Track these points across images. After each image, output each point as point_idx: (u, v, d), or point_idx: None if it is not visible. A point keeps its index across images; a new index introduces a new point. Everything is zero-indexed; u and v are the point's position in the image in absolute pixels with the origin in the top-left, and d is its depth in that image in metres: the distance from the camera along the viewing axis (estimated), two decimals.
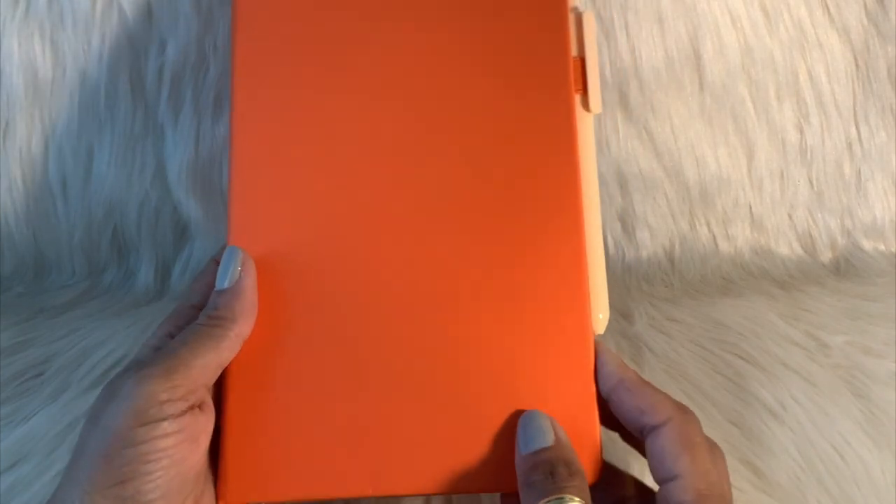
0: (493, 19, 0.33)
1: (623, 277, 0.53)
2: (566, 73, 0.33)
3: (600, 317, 0.32)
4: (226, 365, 0.30)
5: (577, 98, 0.33)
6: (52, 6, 0.47)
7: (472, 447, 0.30)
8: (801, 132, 0.54)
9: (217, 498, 0.30)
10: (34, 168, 0.50)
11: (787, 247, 0.56)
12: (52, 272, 0.53)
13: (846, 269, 0.56)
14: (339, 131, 0.32)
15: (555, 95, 0.32)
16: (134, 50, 0.48)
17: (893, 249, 0.57)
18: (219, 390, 0.31)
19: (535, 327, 0.31)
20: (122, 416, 0.25)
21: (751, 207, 0.55)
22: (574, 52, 0.33)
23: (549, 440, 0.29)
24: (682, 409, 0.29)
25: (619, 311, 0.50)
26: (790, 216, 0.56)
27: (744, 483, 0.39)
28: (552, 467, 0.28)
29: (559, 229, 0.31)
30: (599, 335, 0.32)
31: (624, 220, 0.54)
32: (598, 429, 0.30)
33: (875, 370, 0.44)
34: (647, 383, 0.30)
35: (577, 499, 0.26)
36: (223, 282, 0.30)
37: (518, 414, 0.30)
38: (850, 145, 0.55)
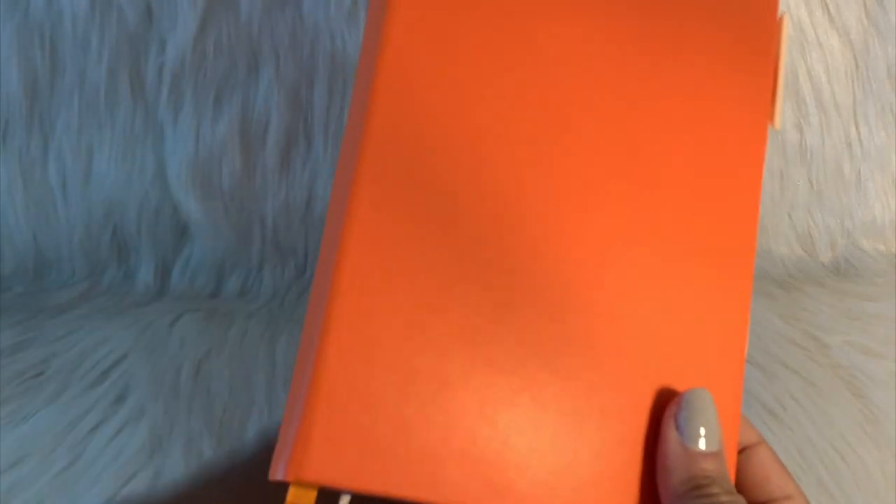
0: (689, 16, 0.30)
1: None
2: (767, 81, 0.30)
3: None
4: None
5: None
6: (51, 6, 0.47)
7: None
8: (801, 132, 0.54)
9: (283, 469, 0.23)
10: (34, 168, 0.50)
11: (786, 247, 0.56)
12: (52, 272, 0.53)
13: (846, 269, 0.56)
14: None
15: (750, 105, 0.30)
16: (134, 50, 0.48)
17: (893, 249, 0.57)
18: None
19: (692, 327, 0.27)
20: None
21: None
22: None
23: (715, 444, 0.24)
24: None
25: None
26: (790, 216, 0.56)
27: None
28: (712, 483, 0.23)
29: (730, 247, 0.28)
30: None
31: None
32: (737, 437, 0.26)
33: (874, 370, 0.44)
34: None
35: None
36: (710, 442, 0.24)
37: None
38: (849, 145, 0.55)
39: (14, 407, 0.41)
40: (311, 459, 0.23)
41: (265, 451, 0.40)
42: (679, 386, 0.26)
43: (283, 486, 0.23)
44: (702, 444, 0.23)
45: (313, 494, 0.23)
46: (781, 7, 0.44)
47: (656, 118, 0.28)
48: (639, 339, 0.26)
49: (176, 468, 0.38)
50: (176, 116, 0.49)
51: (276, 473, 0.24)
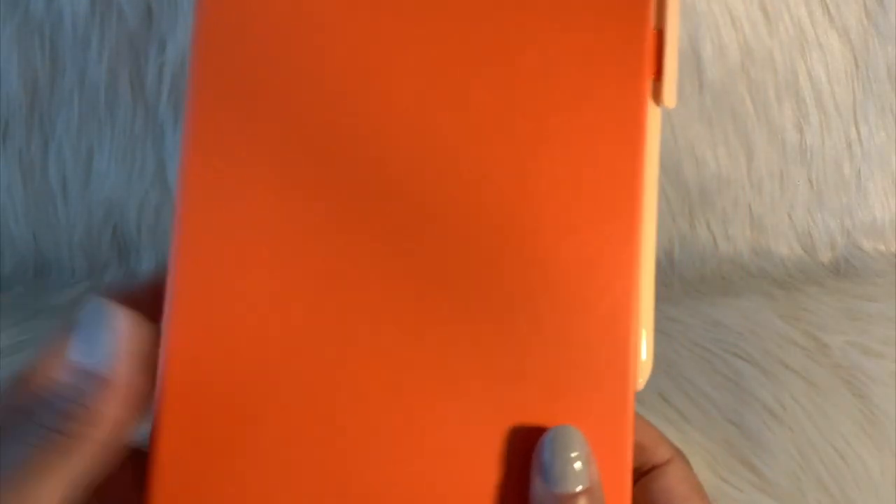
0: None
1: None
2: (640, 48, 0.24)
3: (642, 358, 0.25)
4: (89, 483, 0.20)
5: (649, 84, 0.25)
6: (50, 6, 0.47)
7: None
8: (801, 132, 0.54)
9: None
10: (34, 168, 0.50)
11: (786, 247, 0.56)
12: (52, 272, 0.53)
13: (846, 269, 0.56)
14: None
15: (622, 78, 0.24)
16: (134, 50, 0.48)
17: (893, 249, 0.57)
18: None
19: (573, 347, 0.24)
20: None
21: (750, 207, 0.55)
22: (653, 23, 0.25)
23: (583, 480, 0.22)
24: (678, 449, 0.26)
25: None
26: (790, 216, 0.56)
27: (744, 483, 0.39)
28: None
29: (609, 252, 0.24)
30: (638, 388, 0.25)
31: None
32: (630, 464, 0.24)
33: (875, 370, 0.44)
34: (642, 417, 0.25)
35: None
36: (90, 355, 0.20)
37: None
38: (849, 145, 0.55)
39: None
40: None
41: None
42: (554, 422, 0.23)
43: None
44: (568, 486, 0.21)
45: None
46: None
47: (513, 99, 0.24)
48: (508, 374, 0.23)
49: None
50: (176, 116, 0.49)
51: None
